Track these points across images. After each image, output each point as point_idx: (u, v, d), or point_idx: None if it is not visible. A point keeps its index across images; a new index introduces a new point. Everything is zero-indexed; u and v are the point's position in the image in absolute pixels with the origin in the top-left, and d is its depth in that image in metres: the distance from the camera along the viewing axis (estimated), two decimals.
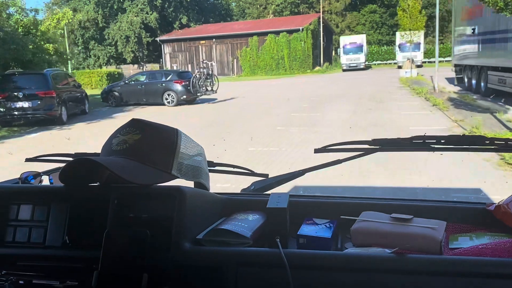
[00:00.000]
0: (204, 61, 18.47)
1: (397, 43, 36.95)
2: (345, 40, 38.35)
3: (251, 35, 36.90)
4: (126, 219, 1.00)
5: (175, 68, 41.71)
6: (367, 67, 37.36)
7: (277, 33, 36.16)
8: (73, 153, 1.37)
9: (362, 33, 41.64)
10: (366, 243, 1.03)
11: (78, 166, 1.02)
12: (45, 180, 1.37)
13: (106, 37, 39.25)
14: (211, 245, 0.99)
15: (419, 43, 38.45)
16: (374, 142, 1.27)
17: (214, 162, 1.35)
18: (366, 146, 1.29)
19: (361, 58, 36.66)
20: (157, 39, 40.27)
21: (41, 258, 1.02)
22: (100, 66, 43.16)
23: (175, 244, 0.95)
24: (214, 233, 1.04)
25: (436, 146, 1.26)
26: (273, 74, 35.49)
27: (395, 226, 1.04)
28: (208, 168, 1.21)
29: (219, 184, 2.69)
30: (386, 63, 43.90)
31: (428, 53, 39.00)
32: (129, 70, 44.86)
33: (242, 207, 1.19)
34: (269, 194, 1.14)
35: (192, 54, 40.65)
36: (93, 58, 42.61)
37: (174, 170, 1.03)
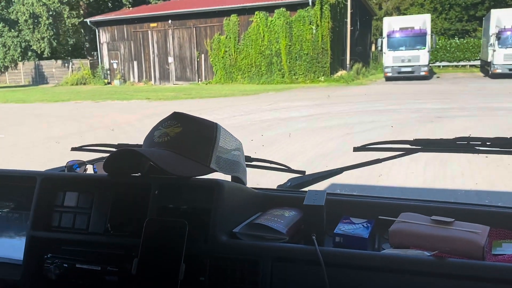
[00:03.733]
0: None
1: (492, 29, 21.59)
2: (393, 24, 23.63)
3: (227, 13, 24.55)
4: (166, 209, 1.17)
5: (115, 66, 28.61)
6: (430, 74, 23.56)
7: (269, 9, 23.33)
8: (116, 144, 1.55)
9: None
10: (404, 245, 1.15)
11: (122, 157, 1.20)
12: (89, 169, 1.54)
13: (13, 17, 22.90)
14: (246, 239, 1.17)
15: None
16: (415, 142, 1.36)
17: (252, 157, 1.50)
18: (407, 146, 1.36)
19: (422, 57, 22.21)
20: (88, 20, 28.41)
21: (84, 243, 1.20)
22: (15, 62, 31.59)
23: (212, 236, 1.12)
24: (250, 227, 1.21)
25: (481, 148, 1.32)
26: (262, 81, 23.62)
27: (435, 229, 1.15)
28: (246, 163, 1.37)
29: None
30: (457, 66, 29.63)
31: None
32: (51, 68, 31.84)
33: (278, 203, 1.35)
34: (305, 191, 1.29)
35: (138, 45, 27.64)
36: (2, 49, 31.28)
37: (212, 164, 1.21)
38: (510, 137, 1.25)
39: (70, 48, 30.85)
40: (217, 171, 1.21)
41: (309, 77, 22.63)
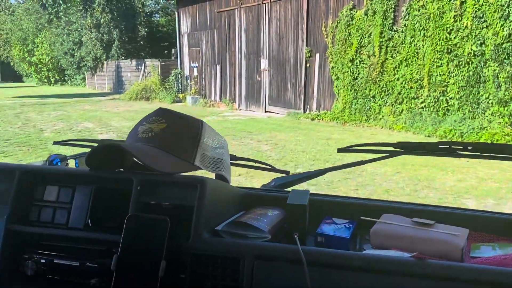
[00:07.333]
0: None
1: None
2: None
3: None
4: (148, 205, 1.16)
5: (195, 72, 17.83)
6: None
7: None
8: (99, 139, 1.51)
9: None
10: (385, 246, 1.17)
11: (105, 151, 1.19)
12: (71, 164, 1.50)
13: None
14: (229, 237, 1.18)
15: None
16: (398, 144, 1.38)
17: (236, 156, 1.50)
18: (391, 148, 1.39)
19: None
20: None
21: (63, 238, 1.19)
22: (100, 61, 22.46)
23: (194, 233, 1.12)
24: (233, 225, 1.20)
25: (462, 152, 1.34)
26: (443, 129, 8.51)
27: (416, 230, 1.17)
28: (230, 161, 1.38)
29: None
30: None
31: None
32: (127, 72, 22.06)
33: (262, 202, 1.35)
34: (289, 191, 1.30)
35: (223, 36, 16.24)
36: (84, 44, 21.67)
37: (196, 161, 1.20)
38: (491, 143, 1.40)
39: (141, 42, 21.46)
40: (201, 169, 1.21)
41: None
